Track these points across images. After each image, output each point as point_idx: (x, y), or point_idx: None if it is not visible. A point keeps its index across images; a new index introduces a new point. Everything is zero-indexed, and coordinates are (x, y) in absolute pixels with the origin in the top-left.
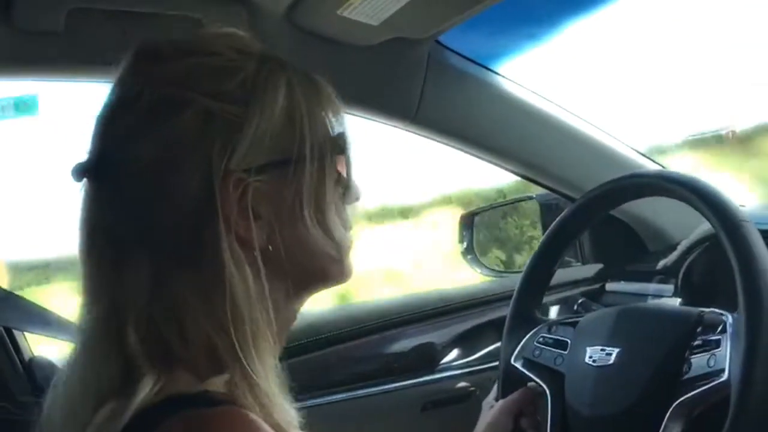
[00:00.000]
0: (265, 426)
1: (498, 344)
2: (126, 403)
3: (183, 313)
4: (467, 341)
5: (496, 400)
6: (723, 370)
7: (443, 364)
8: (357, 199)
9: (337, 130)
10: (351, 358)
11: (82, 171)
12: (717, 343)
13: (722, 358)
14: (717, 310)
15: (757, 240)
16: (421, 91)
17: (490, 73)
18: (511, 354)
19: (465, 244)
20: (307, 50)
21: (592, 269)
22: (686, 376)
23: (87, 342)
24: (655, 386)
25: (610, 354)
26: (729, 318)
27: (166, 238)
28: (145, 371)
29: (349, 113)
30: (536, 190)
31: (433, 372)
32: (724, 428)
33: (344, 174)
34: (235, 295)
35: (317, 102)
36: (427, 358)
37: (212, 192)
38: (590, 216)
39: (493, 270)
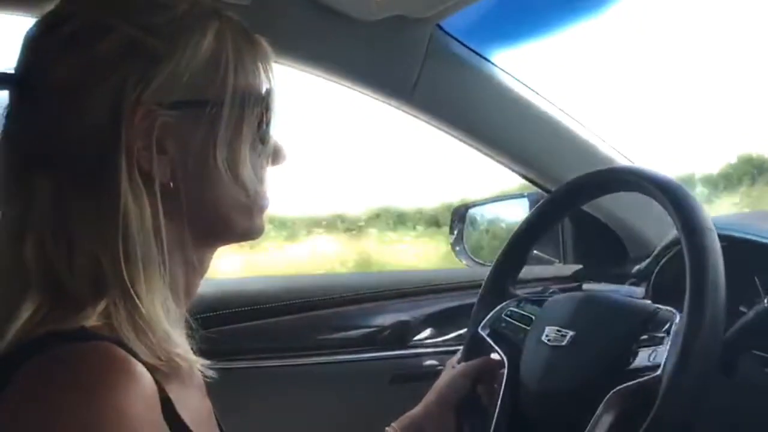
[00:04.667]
0: (132, 363)
1: None
2: (5, 330)
3: (75, 235)
4: (440, 322)
5: (459, 363)
6: (658, 366)
7: (415, 341)
8: (280, 160)
9: (264, 86)
10: (327, 326)
11: (3, 81)
12: (661, 340)
13: (662, 354)
14: (670, 309)
15: (715, 249)
16: (419, 73)
17: (487, 63)
18: (480, 322)
19: (455, 235)
20: (309, 19)
21: (571, 269)
22: (629, 368)
23: None
24: (599, 372)
25: (565, 335)
26: (676, 317)
27: (69, 160)
28: (31, 296)
29: (347, 86)
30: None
31: (404, 348)
32: (645, 424)
33: (266, 131)
34: (128, 223)
35: (249, 54)
36: (400, 333)
37: (120, 120)
38: (567, 205)
39: (478, 263)
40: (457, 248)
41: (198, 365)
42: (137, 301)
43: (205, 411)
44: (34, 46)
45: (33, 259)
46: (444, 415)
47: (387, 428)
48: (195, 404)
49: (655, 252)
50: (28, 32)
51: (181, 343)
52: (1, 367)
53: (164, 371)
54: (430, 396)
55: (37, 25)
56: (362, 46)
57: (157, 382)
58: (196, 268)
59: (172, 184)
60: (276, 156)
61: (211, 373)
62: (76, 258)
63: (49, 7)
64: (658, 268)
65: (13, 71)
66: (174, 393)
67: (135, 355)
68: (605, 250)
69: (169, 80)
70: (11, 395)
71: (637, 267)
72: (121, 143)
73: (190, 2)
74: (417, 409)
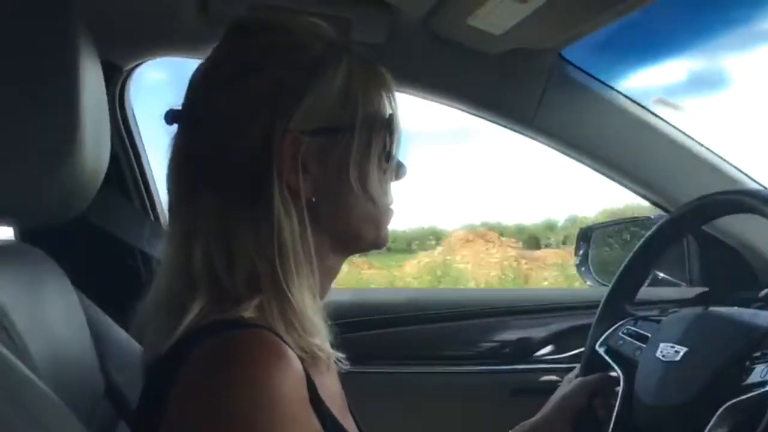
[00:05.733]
0: (285, 347)
1: None
2: (178, 322)
3: (235, 243)
4: (560, 340)
5: (576, 378)
6: None
7: (535, 356)
8: (400, 177)
9: (388, 111)
10: (451, 338)
11: (173, 116)
12: None
13: None
14: None
15: None
16: (540, 99)
17: (607, 88)
18: (597, 340)
19: (580, 256)
20: (437, 53)
21: (694, 291)
22: (743, 383)
23: (167, 260)
24: (712, 387)
25: (678, 351)
26: None
27: (230, 180)
28: (198, 294)
29: (473, 114)
30: None
31: (525, 362)
32: None
33: (390, 150)
34: (282, 233)
35: (374, 84)
36: (521, 349)
37: (271, 145)
38: (685, 226)
39: (603, 284)
40: (582, 269)
41: (334, 357)
42: (290, 298)
43: (340, 398)
44: (198, 85)
45: (200, 264)
46: (560, 426)
47: None
48: (332, 391)
49: None
50: (193, 74)
51: (322, 337)
52: (177, 351)
53: (308, 360)
54: (548, 407)
55: (200, 67)
56: (486, 76)
57: (303, 367)
58: (329, 273)
59: (314, 199)
60: (398, 172)
61: (346, 364)
62: (236, 263)
63: (210, 49)
64: None
65: (180, 108)
66: (316, 379)
67: (285, 343)
68: (733, 273)
69: (310, 111)
70: (186, 372)
71: (764, 291)
72: (272, 166)
73: (326, 42)
74: (534, 419)
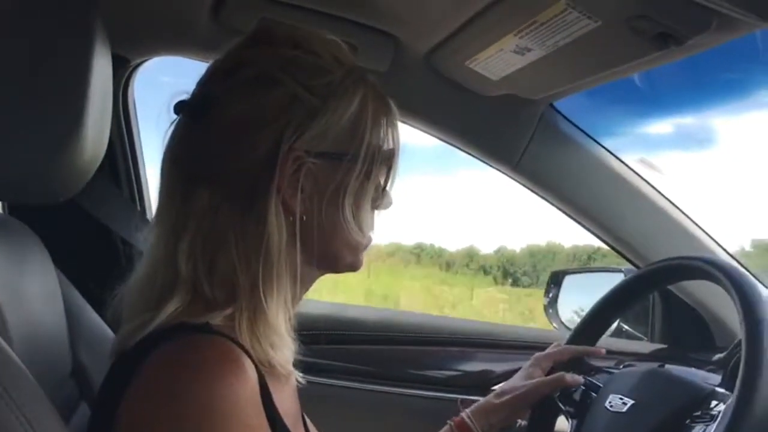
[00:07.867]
0: (242, 356)
1: None
2: (151, 319)
3: (221, 247)
4: None
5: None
6: None
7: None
8: (386, 208)
9: (390, 145)
10: (415, 361)
11: (182, 107)
12: (713, 418)
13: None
14: (727, 392)
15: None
16: (527, 146)
17: (593, 142)
18: None
19: (549, 298)
20: (434, 88)
21: (652, 347)
22: None
23: (151, 251)
24: None
25: (626, 403)
26: (731, 399)
27: (229, 183)
28: (175, 293)
29: (459, 148)
30: None
31: (485, 394)
32: None
33: (384, 183)
34: (270, 246)
35: (383, 118)
36: (483, 380)
37: (275, 159)
38: (651, 284)
39: (568, 328)
40: (550, 311)
41: (294, 374)
42: (265, 310)
43: (295, 409)
44: (213, 81)
45: (183, 262)
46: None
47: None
48: (288, 402)
49: (734, 343)
50: (208, 69)
51: (285, 354)
52: (140, 349)
53: (267, 371)
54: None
55: (216, 64)
56: (478, 116)
57: (260, 376)
58: (302, 289)
59: (305, 218)
60: (386, 204)
61: (303, 380)
62: (217, 267)
63: (217, 54)
64: (734, 359)
65: (189, 100)
66: (273, 390)
67: (246, 353)
68: (692, 334)
69: (319, 134)
70: (144, 372)
71: (717, 356)
72: (274, 179)
73: (346, 70)
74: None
